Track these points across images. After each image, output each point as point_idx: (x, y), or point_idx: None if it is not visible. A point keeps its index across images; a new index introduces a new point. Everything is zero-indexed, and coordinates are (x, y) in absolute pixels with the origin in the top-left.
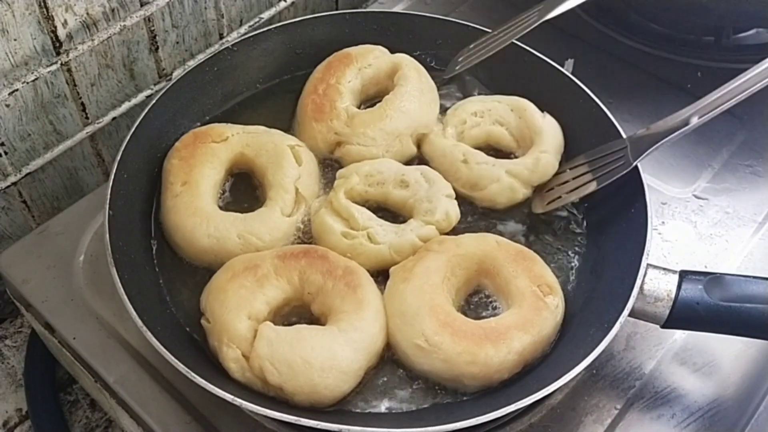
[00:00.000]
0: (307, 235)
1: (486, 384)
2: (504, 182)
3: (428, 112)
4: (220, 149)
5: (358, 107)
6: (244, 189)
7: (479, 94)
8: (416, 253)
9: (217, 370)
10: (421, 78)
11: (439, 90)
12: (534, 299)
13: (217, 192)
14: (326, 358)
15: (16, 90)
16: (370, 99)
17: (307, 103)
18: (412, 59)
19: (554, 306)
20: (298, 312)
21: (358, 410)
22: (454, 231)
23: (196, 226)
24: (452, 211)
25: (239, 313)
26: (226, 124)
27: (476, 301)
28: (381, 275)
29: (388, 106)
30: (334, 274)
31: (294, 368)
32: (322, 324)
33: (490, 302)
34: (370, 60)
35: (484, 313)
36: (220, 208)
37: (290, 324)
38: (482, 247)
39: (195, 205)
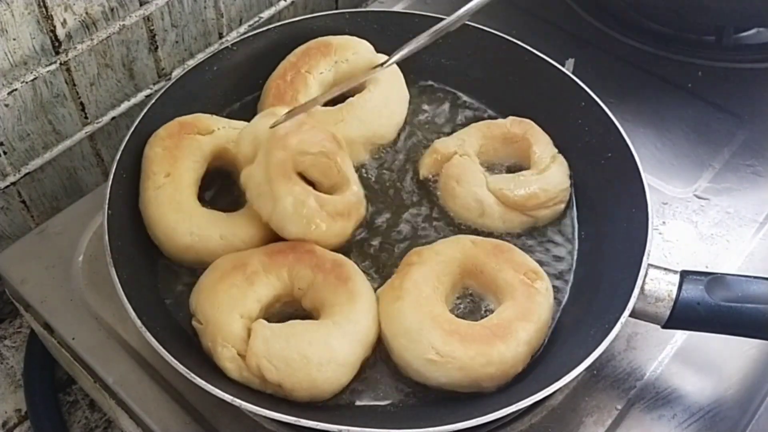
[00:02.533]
0: None
1: (503, 382)
2: None
3: (387, 123)
4: (205, 142)
5: (327, 102)
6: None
7: (476, 96)
8: (398, 270)
9: (217, 371)
10: (393, 85)
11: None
12: (524, 287)
13: (197, 186)
14: (323, 352)
15: (15, 90)
16: (343, 95)
17: (271, 87)
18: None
19: (545, 289)
20: (288, 308)
21: (357, 406)
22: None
23: (178, 223)
24: None
25: (232, 313)
26: (212, 116)
27: (462, 305)
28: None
29: (346, 111)
30: (323, 267)
31: (292, 364)
32: (314, 318)
33: (477, 303)
34: (348, 55)
35: (471, 316)
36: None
37: (280, 320)
38: (460, 250)
39: (178, 200)
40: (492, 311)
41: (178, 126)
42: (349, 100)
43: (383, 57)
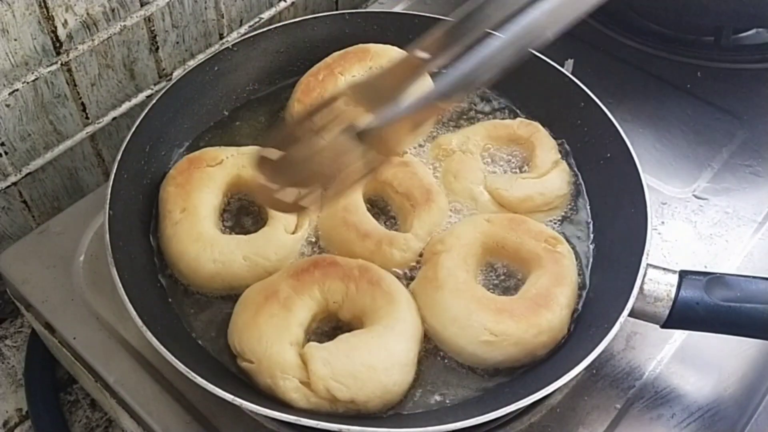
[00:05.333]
0: (314, 250)
1: (553, 347)
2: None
3: None
4: (216, 173)
5: None
6: (242, 212)
7: (479, 95)
8: (425, 260)
9: (217, 370)
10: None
11: None
12: (549, 254)
13: (217, 216)
14: (386, 357)
15: (17, 90)
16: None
17: (302, 83)
18: (425, 74)
19: (567, 251)
20: (324, 324)
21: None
22: None
23: (200, 252)
24: None
25: (282, 344)
26: (219, 147)
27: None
28: None
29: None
30: (351, 275)
31: (360, 377)
32: (355, 328)
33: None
34: (384, 62)
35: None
36: (222, 232)
37: (318, 339)
38: (479, 230)
39: (197, 231)
40: (507, 280)
41: (187, 162)
42: None
43: None
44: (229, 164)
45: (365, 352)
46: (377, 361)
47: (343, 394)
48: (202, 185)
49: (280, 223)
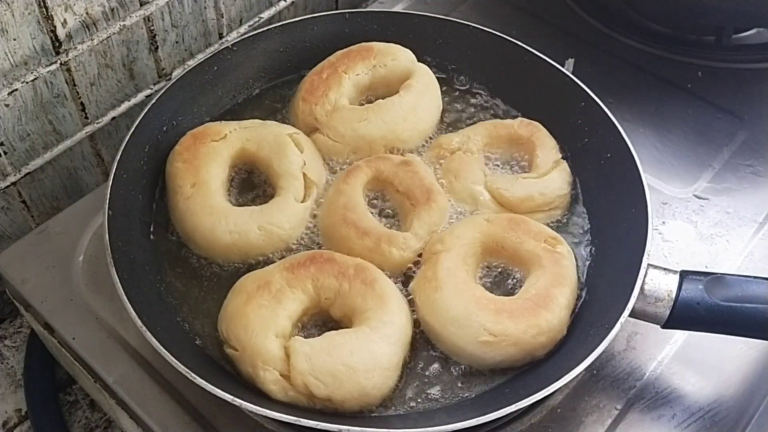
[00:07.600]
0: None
1: (552, 348)
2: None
3: (411, 129)
4: (221, 147)
5: (361, 103)
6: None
7: (480, 95)
8: (425, 260)
9: (217, 371)
10: (425, 93)
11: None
12: (548, 254)
13: (225, 190)
14: (367, 360)
15: (16, 90)
16: (380, 98)
17: (305, 82)
18: (429, 72)
19: (566, 252)
20: (316, 318)
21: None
22: None
23: (215, 224)
24: None
25: (267, 334)
26: (221, 122)
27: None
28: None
29: (371, 111)
30: (346, 274)
31: (338, 376)
32: (344, 326)
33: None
34: (387, 60)
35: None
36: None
37: (309, 332)
38: (478, 230)
39: (210, 204)
40: (507, 279)
41: (191, 138)
42: (377, 102)
43: (423, 66)
44: (233, 138)
45: (347, 352)
46: (358, 362)
47: (321, 392)
48: (209, 160)
49: (290, 193)
